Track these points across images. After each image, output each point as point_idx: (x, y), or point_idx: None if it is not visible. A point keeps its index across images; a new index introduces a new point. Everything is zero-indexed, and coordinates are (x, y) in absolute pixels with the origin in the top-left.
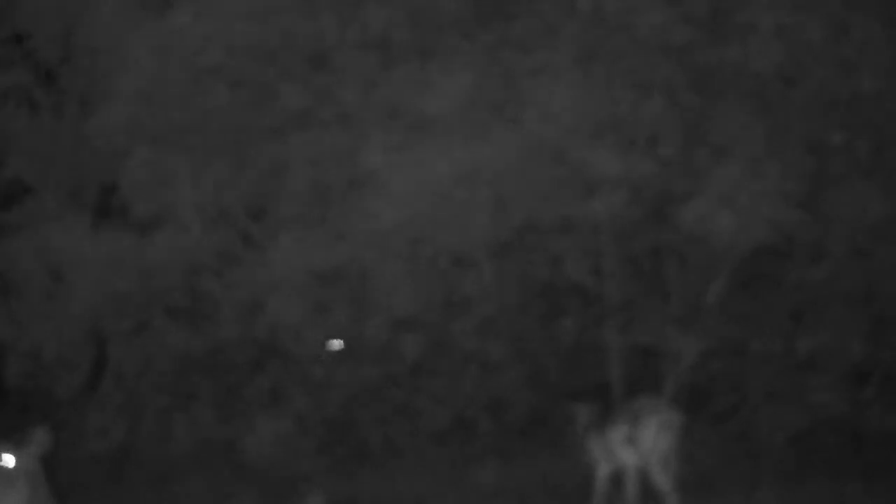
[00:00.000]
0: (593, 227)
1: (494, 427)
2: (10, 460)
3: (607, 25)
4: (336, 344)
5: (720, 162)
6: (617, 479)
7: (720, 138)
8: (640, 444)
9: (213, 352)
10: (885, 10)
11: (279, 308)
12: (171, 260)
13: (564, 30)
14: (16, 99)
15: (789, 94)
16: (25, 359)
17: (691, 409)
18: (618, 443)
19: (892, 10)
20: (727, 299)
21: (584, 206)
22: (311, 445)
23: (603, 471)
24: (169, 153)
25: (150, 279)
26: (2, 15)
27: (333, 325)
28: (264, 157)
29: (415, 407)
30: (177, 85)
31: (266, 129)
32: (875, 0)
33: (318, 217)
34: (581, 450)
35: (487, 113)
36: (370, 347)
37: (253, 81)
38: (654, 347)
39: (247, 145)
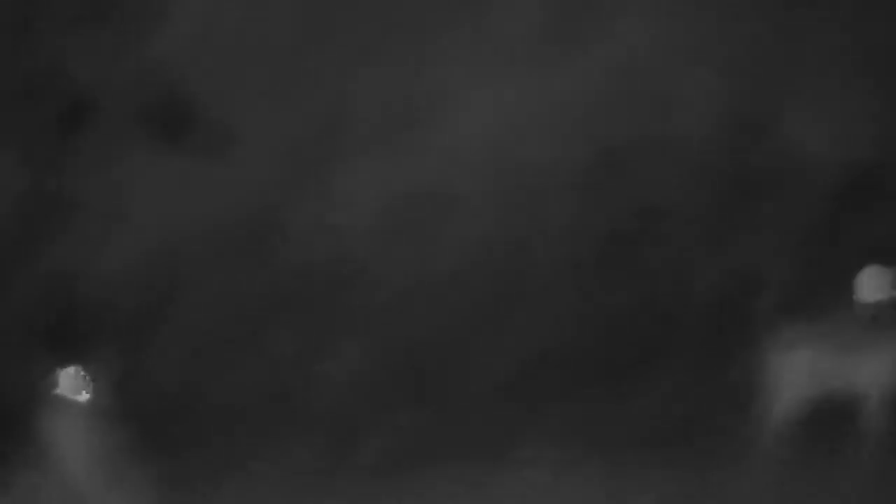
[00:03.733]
0: (681, 150)
1: (574, 360)
2: (80, 389)
3: None
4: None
5: (813, 78)
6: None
7: (813, 54)
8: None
9: (288, 278)
10: None
11: (352, 235)
12: (240, 185)
13: None
14: (79, 13)
15: (886, 5)
16: (92, 284)
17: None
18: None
19: None
20: (822, 221)
21: (671, 129)
22: (390, 376)
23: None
24: (238, 75)
25: (219, 205)
26: None
27: (414, 250)
28: (337, 79)
29: (498, 336)
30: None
31: (339, 50)
32: None
33: (392, 142)
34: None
35: (569, 36)
36: (450, 273)
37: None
38: (746, 273)
39: (320, 66)
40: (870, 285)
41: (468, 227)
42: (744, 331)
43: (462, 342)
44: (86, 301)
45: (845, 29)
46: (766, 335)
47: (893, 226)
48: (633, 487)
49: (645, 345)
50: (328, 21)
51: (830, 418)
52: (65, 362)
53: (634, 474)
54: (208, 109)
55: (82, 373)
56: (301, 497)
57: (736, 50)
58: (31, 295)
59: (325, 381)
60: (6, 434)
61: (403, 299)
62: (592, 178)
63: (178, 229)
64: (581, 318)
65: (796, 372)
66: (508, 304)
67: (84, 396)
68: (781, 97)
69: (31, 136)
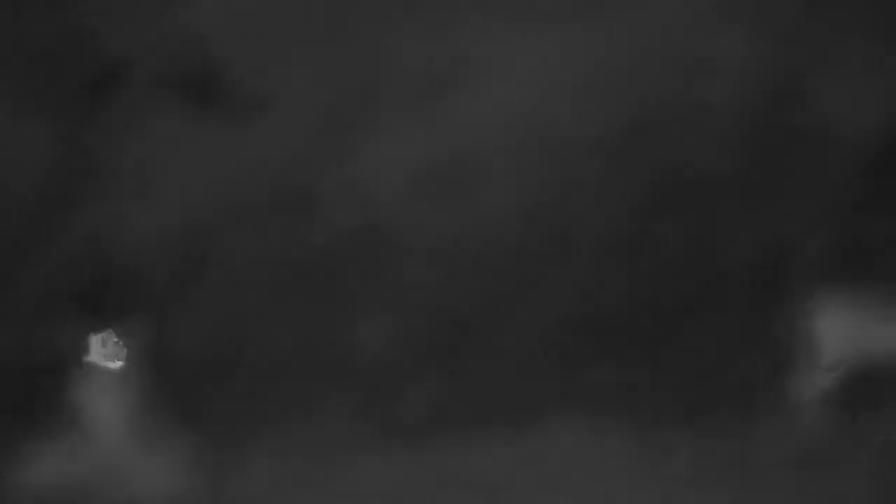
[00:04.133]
0: (716, 113)
1: (608, 324)
2: (112, 356)
3: None
4: None
5: (849, 43)
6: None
7: (849, 18)
8: None
9: (319, 244)
10: None
11: (386, 200)
12: (275, 150)
13: None
14: None
15: None
16: (124, 250)
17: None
18: None
19: None
20: (857, 189)
21: (703, 93)
22: (420, 342)
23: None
24: (273, 36)
25: (252, 170)
26: None
27: (442, 217)
28: (368, 45)
29: (530, 302)
30: None
31: (373, 13)
32: None
33: (426, 107)
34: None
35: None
36: (479, 241)
37: None
38: (778, 240)
39: (350, 33)
40: None
41: (500, 192)
42: (781, 297)
43: (494, 308)
44: (117, 267)
45: None
46: (804, 302)
47: None
48: (666, 454)
49: (679, 311)
50: None
51: (871, 386)
52: (97, 329)
53: (668, 441)
54: (239, 76)
55: (115, 339)
56: (334, 462)
57: (770, 13)
58: (62, 261)
59: (357, 348)
60: (38, 401)
61: (435, 265)
62: (623, 142)
63: (210, 195)
64: (613, 283)
65: (836, 339)
66: (540, 269)
67: (116, 363)
68: (817, 62)
69: (62, 102)
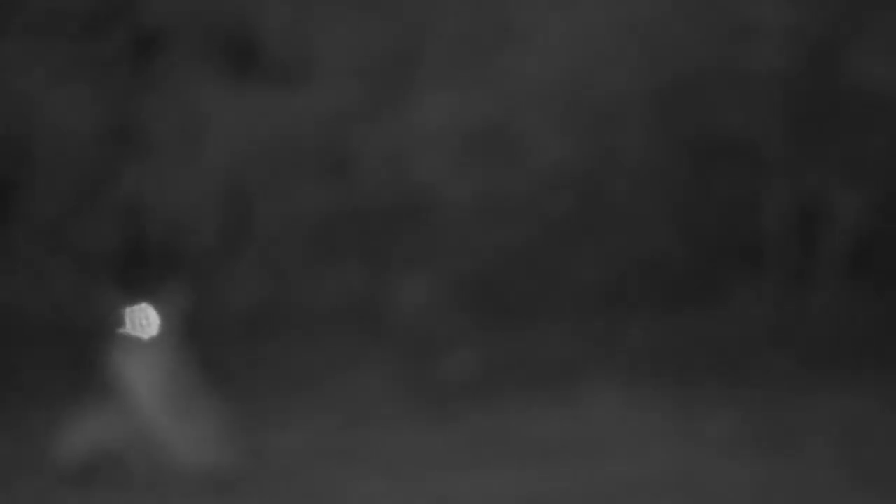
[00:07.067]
0: (751, 78)
1: (646, 286)
2: (148, 327)
3: None
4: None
5: (888, 6)
6: None
7: None
8: None
9: (358, 209)
10: None
11: (426, 165)
12: (315, 114)
13: None
14: None
15: None
16: (165, 216)
17: (851, 270)
18: None
19: None
20: (892, 152)
21: (741, 56)
22: (458, 305)
23: None
24: (309, 5)
25: (293, 134)
26: None
27: (481, 181)
28: (412, 8)
29: (564, 265)
30: None
31: None
32: None
33: (466, 71)
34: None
35: None
36: (518, 204)
37: None
38: (813, 203)
39: None
40: None
41: (538, 157)
42: (818, 259)
43: (534, 271)
44: (156, 235)
45: None
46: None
47: None
48: (708, 418)
49: (721, 274)
50: None
51: None
52: (135, 296)
53: (708, 403)
54: (280, 40)
55: (152, 307)
56: (372, 429)
57: None
58: (100, 230)
59: (396, 314)
60: (73, 369)
61: (474, 229)
62: (664, 107)
63: (250, 161)
64: (654, 246)
65: None
66: (578, 235)
67: (153, 331)
68: (855, 27)
69: (102, 70)
